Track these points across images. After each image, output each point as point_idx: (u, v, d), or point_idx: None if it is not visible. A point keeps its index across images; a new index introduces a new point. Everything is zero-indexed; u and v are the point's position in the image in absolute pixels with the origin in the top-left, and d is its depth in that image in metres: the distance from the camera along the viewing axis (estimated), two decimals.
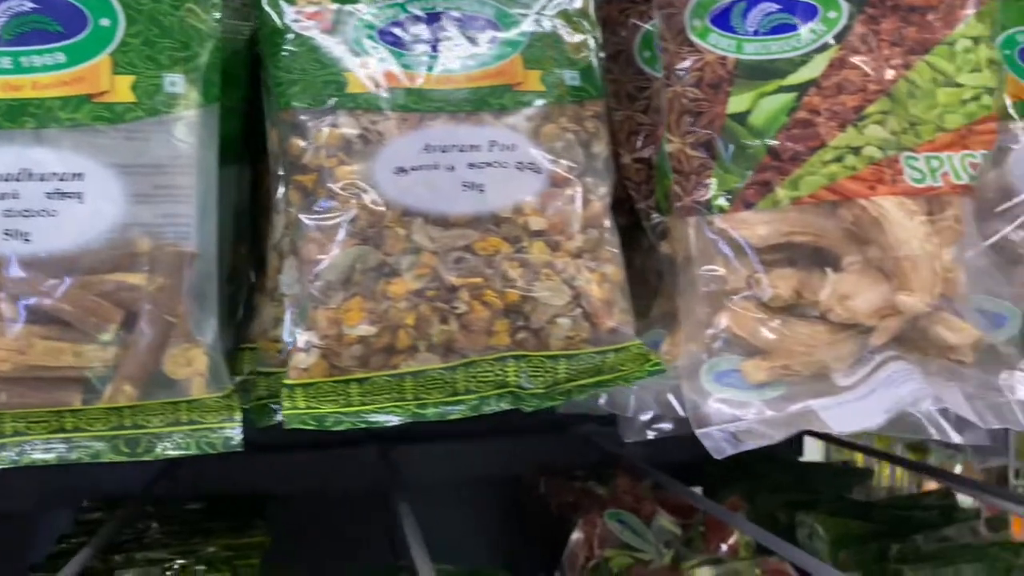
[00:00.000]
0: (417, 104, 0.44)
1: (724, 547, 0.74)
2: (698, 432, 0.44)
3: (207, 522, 0.78)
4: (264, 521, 0.77)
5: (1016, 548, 0.70)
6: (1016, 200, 0.58)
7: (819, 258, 0.46)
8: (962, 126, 0.47)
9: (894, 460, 0.84)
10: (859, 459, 1.04)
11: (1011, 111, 0.58)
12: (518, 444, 0.98)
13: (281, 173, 0.44)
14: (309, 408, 0.41)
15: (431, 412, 0.42)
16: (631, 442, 0.53)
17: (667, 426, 0.51)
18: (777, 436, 0.43)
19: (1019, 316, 0.48)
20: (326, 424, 0.41)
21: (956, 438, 0.43)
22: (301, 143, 0.43)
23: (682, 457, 0.99)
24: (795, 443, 1.07)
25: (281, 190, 0.44)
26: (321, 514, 0.92)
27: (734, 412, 0.44)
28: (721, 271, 0.46)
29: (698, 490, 0.76)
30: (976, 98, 0.47)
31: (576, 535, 0.74)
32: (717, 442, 0.42)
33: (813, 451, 1.06)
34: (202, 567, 0.69)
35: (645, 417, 0.51)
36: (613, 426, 0.92)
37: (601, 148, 0.47)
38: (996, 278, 0.49)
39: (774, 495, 0.85)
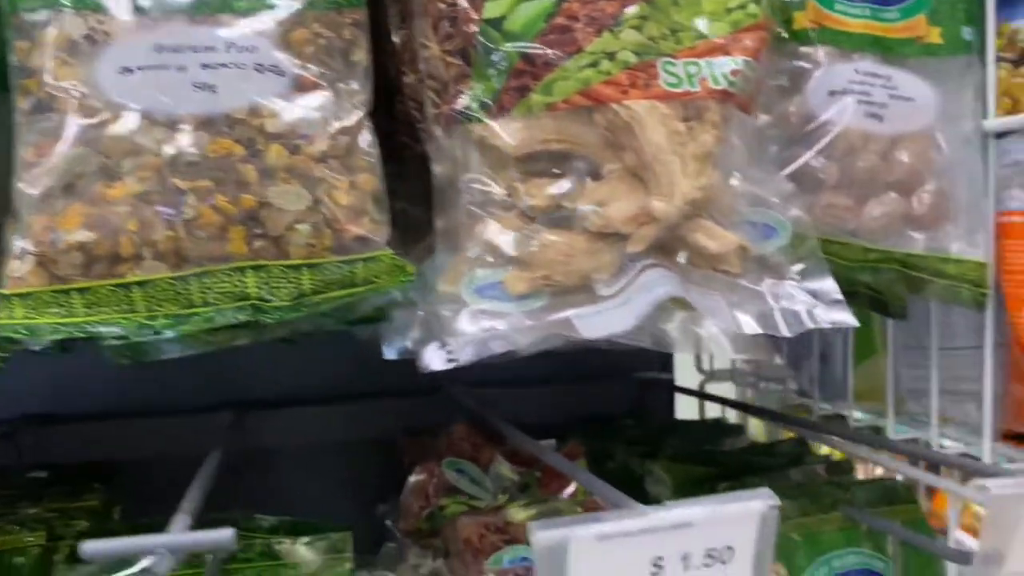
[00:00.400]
0: (151, 6, 0.42)
1: (565, 495, 0.73)
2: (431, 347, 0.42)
3: (45, 489, 0.75)
4: (106, 487, 0.75)
5: (847, 486, 0.71)
6: (814, 124, 0.58)
7: (581, 167, 0.45)
8: (726, 34, 0.46)
9: (748, 410, 0.84)
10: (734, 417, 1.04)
11: (811, 36, 0.59)
12: (386, 407, 0.96)
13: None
14: (27, 318, 0.39)
15: (161, 323, 0.40)
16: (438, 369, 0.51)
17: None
18: (524, 342, 0.42)
19: (788, 227, 0.48)
20: (41, 335, 0.39)
21: (709, 331, 0.42)
22: (26, 45, 0.41)
23: (555, 419, 0.99)
24: (667, 403, 1.07)
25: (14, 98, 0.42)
26: (174, 480, 0.90)
27: (492, 323, 0.43)
28: (480, 181, 0.45)
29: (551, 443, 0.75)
30: (742, 6, 0.47)
31: (411, 481, 0.72)
32: (435, 354, 0.41)
33: (689, 411, 1.06)
34: (15, 527, 0.67)
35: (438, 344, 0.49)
36: (484, 387, 0.92)
37: (360, 56, 0.45)
38: (769, 191, 0.49)
39: (631, 447, 0.85)
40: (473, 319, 0.43)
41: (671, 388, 1.07)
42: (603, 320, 0.43)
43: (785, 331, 0.45)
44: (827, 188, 0.58)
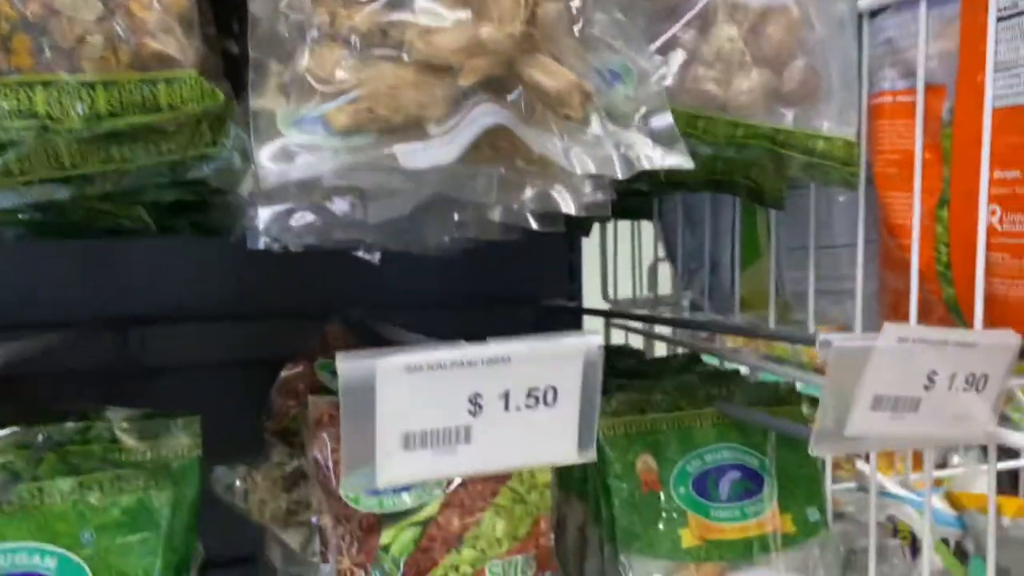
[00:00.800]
0: None
1: None
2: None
3: None
4: None
5: (727, 386, 0.70)
6: None
7: None
8: None
9: (662, 338, 0.83)
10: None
11: None
12: (278, 327, 0.94)
13: None
14: None
15: None
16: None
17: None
18: (330, 166, 0.39)
19: (634, 74, 0.46)
20: None
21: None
22: None
23: None
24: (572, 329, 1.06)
25: None
26: (55, 397, 0.86)
27: (308, 158, 0.40)
28: (300, 7, 0.42)
29: None
30: None
31: (281, 377, 0.70)
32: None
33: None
34: None
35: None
36: (386, 308, 0.89)
37: None
38: (616, 37, 0.47)
39: None
40: (285, 152, 0.40)
41: (578, 314, 1.05)
42: (428, 153, 0.41)
43: (620, 174, 0.43)
44: (695, 62, 0.56)
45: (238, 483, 0.67)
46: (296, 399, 0.70)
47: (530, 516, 0.56)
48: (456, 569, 0.54)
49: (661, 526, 0.62)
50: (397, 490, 0.54)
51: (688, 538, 0.62)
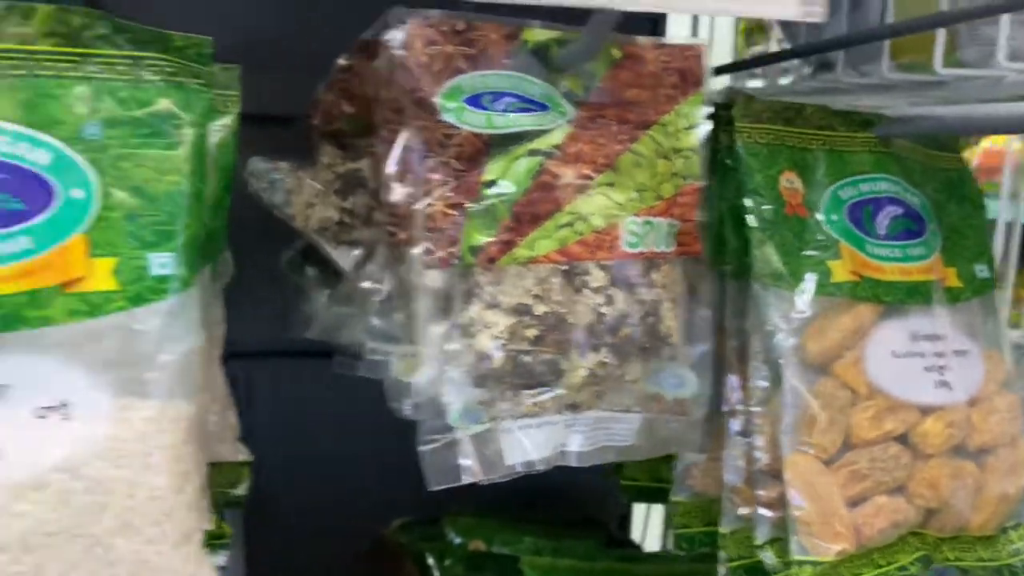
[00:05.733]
0: None
1: None
2: None
3: None
4: None
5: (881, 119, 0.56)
6: None
7: None
8: None
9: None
10: None
11: None
12: None
13: None
14: None
15: None
16: None
17: None
18: None
19: None
20: None
21: None
22: None
23: None
24: None
25: None
26: None
27: None
28: None
29: None
30: None
31: (334, 71, 0.56)
32: None
33: None
34: None
35: None
36: None
37: None
38: None
39: None
40: None
41: None
42: None
43: None
44: None
45: (280, 178, 0.54)
46: (350, 100, 0.57)
47: (676, 178, 0.43)
48: (584, 219, 0.41)
49: (808, 254, 0.50)
50: (510, 107, 0.40)
51: (840, 271, 0.50)
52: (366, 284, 0.53)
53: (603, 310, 0.40)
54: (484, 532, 0.79)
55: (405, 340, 0.44)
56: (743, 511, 0.50)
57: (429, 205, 0.40)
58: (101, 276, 0.37)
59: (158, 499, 0.39)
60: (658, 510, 0.90)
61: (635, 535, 0.90)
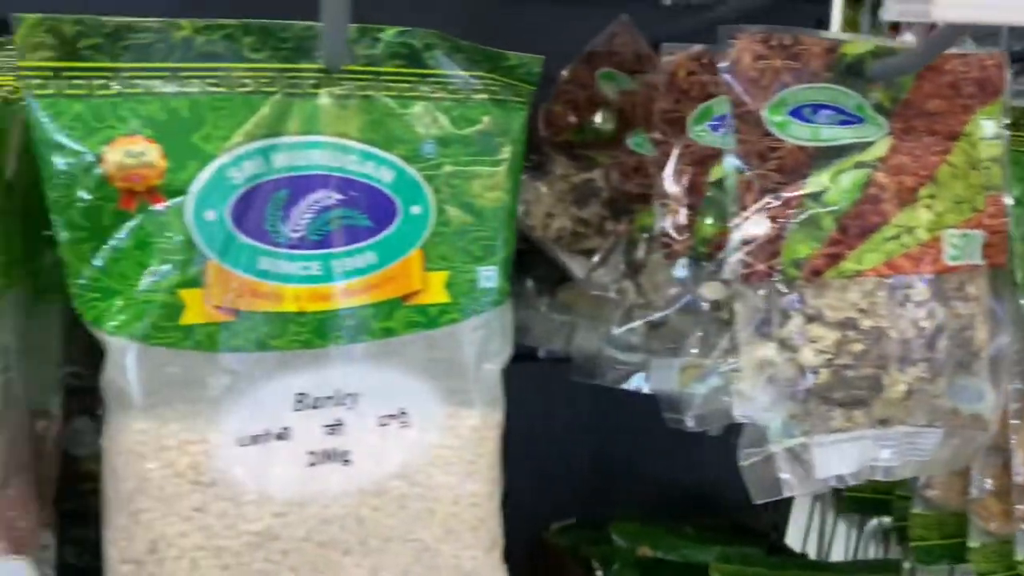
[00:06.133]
0: None
1: None
2: None
3: None
4: None
5: None
6: None
7: None
8: None
9: None
10: None
11: None
12: None
13: None
14: None
15: None
16: None
17: None
18: None
19: None
20: None
21: None
22: None
23: None
24: None
25: None
26: None
27: None
28: None
29: None
30: None
31: (560, 83, 0.57)
32: None
33: None
34: None
35: None
36: None
37: None
38: None
39: None
40: None
41: None
42: None
43: None
44: None
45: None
46: (577, 113, 0.58)
47: (984, 189, 0.44)
48: (910, 232, 0.42)
49: None
50: (831, 120, 0.41)
51: None
52: (604, 292, 0.54)
53: (923, 324, 0.41)
54: (649, 538, 0.80)
55: (683, 352, 0.45)
56: (993, 525, 0.50)
57: (745, 218, 0.41)
58: (436, 289, 0.39)
59: (477, 505, 0.40)
60: (816, 519, 0.90)
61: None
